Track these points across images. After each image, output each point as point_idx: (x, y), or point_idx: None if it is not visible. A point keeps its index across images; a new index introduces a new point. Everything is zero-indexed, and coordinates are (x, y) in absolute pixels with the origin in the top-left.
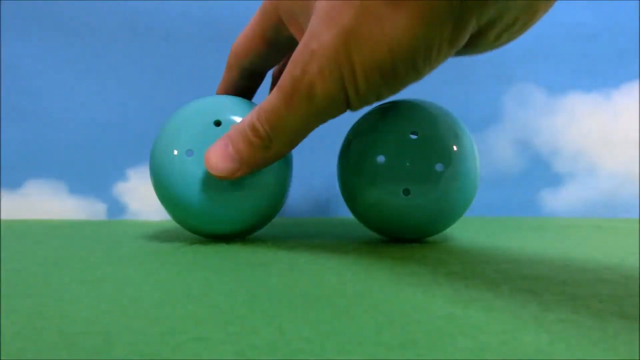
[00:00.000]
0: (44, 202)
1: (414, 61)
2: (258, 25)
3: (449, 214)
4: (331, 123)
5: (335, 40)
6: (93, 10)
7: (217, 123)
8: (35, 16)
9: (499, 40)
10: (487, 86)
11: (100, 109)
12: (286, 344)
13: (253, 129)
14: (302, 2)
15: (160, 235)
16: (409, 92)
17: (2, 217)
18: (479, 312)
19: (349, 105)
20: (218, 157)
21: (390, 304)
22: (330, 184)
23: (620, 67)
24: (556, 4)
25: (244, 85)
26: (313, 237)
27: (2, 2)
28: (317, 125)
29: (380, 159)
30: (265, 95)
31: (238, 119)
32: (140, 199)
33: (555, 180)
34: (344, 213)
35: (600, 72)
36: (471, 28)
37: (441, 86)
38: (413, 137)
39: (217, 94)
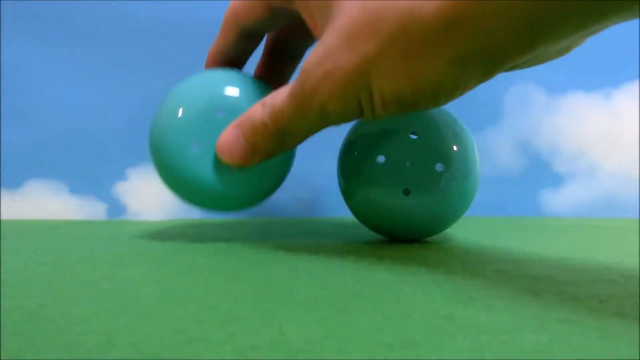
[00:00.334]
0: (44, 202)
1: (437, 96)
2: None
3: (449, 214)
4: None
5: (355, 67)
6: (93, 11)
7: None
8: (35, 16)
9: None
10: (487, 86)
11: (100, 109)
12: (286, 344)
13: (264, 125)
14: (322, 2)
15: (160, 235)
16: None
17: (2, 217)
18: (479, 312)
19: (362, 116)
20: (232, 148)
21: (390, 304)
22: (330, 184)
23: (620, 67)
24: None
25: (239, 50)
26: (313, 237)
27: (2, 2)
28: (330, 126)
29: (380, 159)
30: (256, 61)
31: (240, 103)
32: (140, 199)
33: (555, 180)
34: (344, 213)
35: (600, 72)
36: (503, 70)
37: None
38: (413, 137)
39: (210, 56)
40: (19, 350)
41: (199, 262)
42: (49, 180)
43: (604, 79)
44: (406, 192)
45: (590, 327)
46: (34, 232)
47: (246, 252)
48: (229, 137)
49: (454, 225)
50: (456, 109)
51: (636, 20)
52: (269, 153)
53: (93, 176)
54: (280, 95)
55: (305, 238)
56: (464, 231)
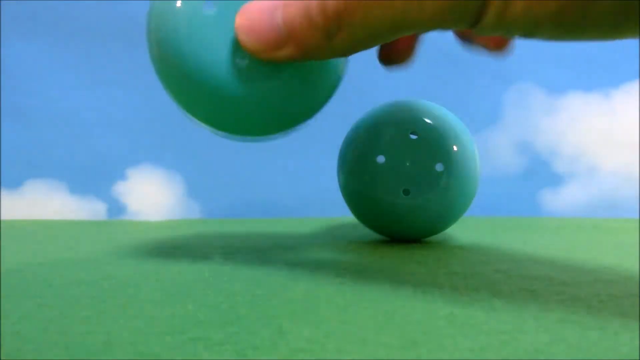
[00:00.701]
0: (44, 202)
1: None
2: None
3: (449, 214)
4: (331, 122)
5: None
6: (93, 11)
7: None
8: (35, 16)
9: None
10: (487, 86)
11: (100, 109)
12: (286, 344)
13: (322, 9)
14: None
15: (160, 235)
16: (410, 92)
17: (2, 217)
18: (479, 312)
19: (477, 20)
20: (258, 21)
21: (390, 304)
22: (330, 184)
23: (620, 67)
24: None
25: None
26: (313, 237)
27: (2, 2)
28: (413, 31)
29: (380, 159)
30: None
31: None
32: (140, 199)
33: (555, 180)
34: (344, 213)
35: (600, 72)
36: None
37: (441, 86)
38: (413, 137)
39: None
40: (19, 350)
41: (200, 261)
42: (49, 180)
43: (603, 79)
44: (406, 192)
45: (590, 327)
46: (34, 232)
47: (246, 252)
48: (258, 5)
49: (454, 225)
50: (456, 109)
51: None
52: (310, 47)
53: (93, 176)
54: None
55: (305, 238)
56: (464, 231)
